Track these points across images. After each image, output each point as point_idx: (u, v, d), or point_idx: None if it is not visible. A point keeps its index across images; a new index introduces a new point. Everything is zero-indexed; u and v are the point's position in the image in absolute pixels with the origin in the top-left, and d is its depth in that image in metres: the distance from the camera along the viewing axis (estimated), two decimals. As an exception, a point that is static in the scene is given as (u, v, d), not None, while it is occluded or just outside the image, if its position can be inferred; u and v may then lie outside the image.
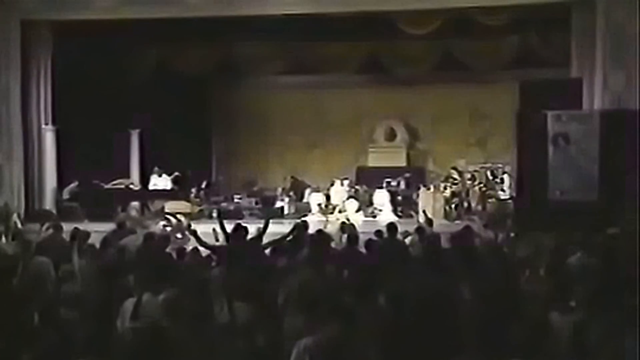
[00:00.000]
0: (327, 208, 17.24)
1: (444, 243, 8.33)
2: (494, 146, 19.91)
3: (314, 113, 21.25)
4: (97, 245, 8.54)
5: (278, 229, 9.31)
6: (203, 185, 18.42)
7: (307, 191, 18.67)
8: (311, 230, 9.76)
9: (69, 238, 9.28)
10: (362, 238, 9.19)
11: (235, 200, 18.38)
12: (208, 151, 21.72)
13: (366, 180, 19.06)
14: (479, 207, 16.96)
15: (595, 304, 4.91)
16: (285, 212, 17.62)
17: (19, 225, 13.85)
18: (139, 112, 18.89)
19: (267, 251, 8.22)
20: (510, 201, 15.72)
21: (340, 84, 20.39)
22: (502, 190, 17.16)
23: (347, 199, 17.47)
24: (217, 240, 9.23)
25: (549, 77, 15.60)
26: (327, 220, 15.02)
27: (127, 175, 18.24)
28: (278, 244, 8.36)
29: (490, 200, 16.98)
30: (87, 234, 9.07)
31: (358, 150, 20.96)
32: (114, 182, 17.19)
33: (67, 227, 10.07)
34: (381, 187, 18.00)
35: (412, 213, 16.94)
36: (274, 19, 15.46)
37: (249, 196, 18.67)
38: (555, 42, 16.27)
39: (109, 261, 7.54)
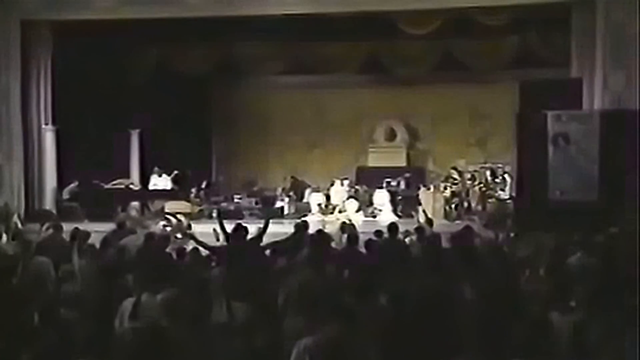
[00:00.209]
0: (327, 208, 17.25)
1: (444, 243, 8.34)
2: (494, 146, 19.91)
3: (314, 113, 21.25)
4: (97, 245, 8.53)
5: (278, 229, 9.31)
6: (203, 185, 18.42)
7: (307, 191, 18.67)
8: (311, 230, 9.76)
9: (69, 238, 9.27)
10: (362, 238, 9.20)
11: (235, 200, 18.38)
12: (208, 151, 21.72)
13: (366, 180, 19.06)
14: (479, 207, 16.95)
15: (595, 304, 4.91)
16: (285, 212, 17.62)
17: (19, 225, 13.85)
18: (139, 112, 18.90)
19: (267, 251, 8.23)
20: (510, 201, 15.72)
21: (340, 84, 20.39)
22: (502, 190, 17.16)
23: (347, 199, 17.47)
24: (217, 240, 9.24)
25: (549, 77, 15.59)
26: (324, 220, 14.99)
27: (127, 175, 18.24)
28: (280, 245, 8.36)
29: (490, 200, 16.97)
30: (87, 234, 9.07)
31: (358, 150, 20.95)
32: (114, 182, 17.19)
33: (67, 227, 10.06)
34: (381, 187, 18.00)
35: (412, 213, 16.93)
36: (274, 19, 15.45)
37: (249, 196, 18.67)
38: (555, 42, 16.26)
39: (109, 261, 7.54)
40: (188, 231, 9.15)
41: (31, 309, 5.15)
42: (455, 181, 17.19)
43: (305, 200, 18.39)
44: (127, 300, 5.44)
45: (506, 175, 17.34)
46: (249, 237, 8.48)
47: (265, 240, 8.55)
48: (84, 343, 4.22)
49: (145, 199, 17.24)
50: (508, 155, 16.83)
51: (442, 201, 16.60)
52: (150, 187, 17.66)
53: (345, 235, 9.31)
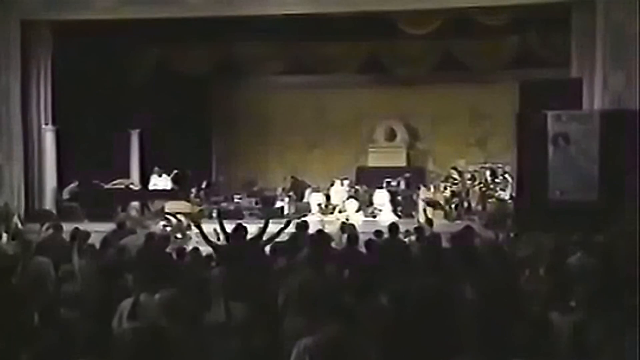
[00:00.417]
0: (327, 208, 17.25)
1: (444, 243, 8.33)
2: (494, 146, 19.91)
3: (314, 113, 21.24)
4: (97, 245, 8.53)
5: (278, 228, 9.27)
6: (203, 185, 18.41)
7: (308, 191, 18.67)
8: (311, 230, 9.76)
9: (69, 238, 9.27)
10: (362, 238, 9.19)
11: (235, 200, 18.37)
12: (208, 151, 21.72)
13: (366, 180, 19.05)
14: (479, 207, 16.95)
15: (595, 304, 4.91)
16: (285, 212, 17.61)
17: (19, 226, 13.85)
18: (139, 112, 18.90)
19: (267, 251, 8.23)
20: (510, 201, 15.72)
21: (340, 84, 20.39)
22: (502, 190, 17.15)
23: (347, 199, 17.46)
24: (218, 239, 9.23)
25: (549, 77, 15.59)
26: (322, 221, 14.97)
27: (127, 175, 18.24)
28: (275, 238, 8.37)
29: (490, 200, 16.97)
30: (87, 234, 9.06)
31: (358, 150, 20.95)
32: (114, 182, 17.18)
33: (67, 227, 10.06)
34: (381, 187, 17.99)
35: (412, 213, 16.94)
36: (274, 19, 15.45)
37: (249, 196, 18.66)
38: (555, 42, 16.26)
39: (109, 261, 7.54)
40: (195, 224, 9.09)
41: (31, 309, 5.15)
42: (455, 181, 17.19)
43: (305, 200, 18.39)
44: (125, 301, 5.44)
45: (506, 175, 17.35)
46: (249, 237, 8.49)
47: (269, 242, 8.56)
48: (84, 343, 4.21)
49: (145, 199, 17.24)
50: (508, 155, 16.83)
51: (442, 201, 16.60)
52: (150, 187, 17.66)
53: (345, 235, 9.32)
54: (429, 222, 12.27)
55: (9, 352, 4.26)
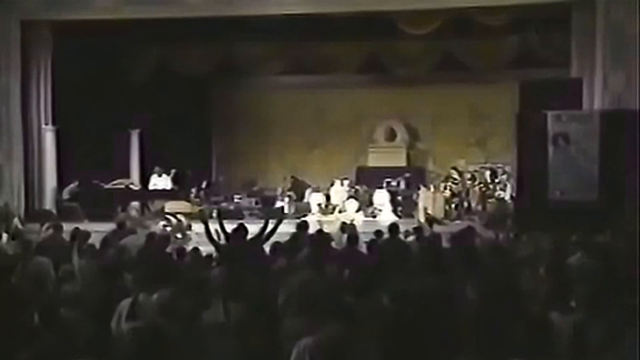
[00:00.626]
0: (327, 208, 17.25)
1: (444, 243, 8.34)
2: (494, 146, 19.91)
3: (314, 113, 21.24)
4: (97, 245, 8.53)
5: (272, 226, 9.28)
6: (203, 185, 18.42)
7: (308, 191, 18.67)
8: (311, 230, 9.77)
9: (69, 238, 9.27)
10: (362, 238, 9.20)
11: (235, 200, 18.38)
12: (208, 151, 21.71)
13: (366, 180, 19.05)
14: (479, 207, 16.96)
15: (595, 304, 4.91)
16: (285, 212, 17.60)
17: (19, 226, 13.84)
18: (139, 112, 18.90)
19: (267, 251, 8.23)
20: (510, 201, 15.72)
21: (340, 84, 20.39)
22: (502, 190, 17.16)
23: (347, 199, 17.47)
24: (218, 239, 9.23)
25: (549, 77, 15.58)
26: (320, 221, 14.95)
27: (127, 175, 18.23)
28: (271, 235, 8.37)
29: (490, 200, 16.97)
30: (87, 234, 9.06)
31: (358, 150, 20.95)
32: (114, 182, 17.18)
33: (67, 227, 10.06)
34: (381, 187, 18.00)
35: (413, 213, 16.94)
36: (274, 19, 15.46)
37: (249, 196, 18.67)
38: (555, 42, 16.26)
39: (109, 261, 7.54)
40: (203, 221, 9.06)
41: (31, 309, 5.15)
42: (455, 181, 17.19)
43: (305, 200, 18.39)
44: (125, 300, 5.44)
45: (506, 175, 17.35)
46: (249, 237, 8.49)
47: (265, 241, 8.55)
48: (83, 343, 4.22)
49: (145, 199, 17.23)
50: (508, 155, 16.83)
51: (442, 201, 16.60)
52: (150, 187, 17.65)
53: (345, 235, 9.32)
54: (429, 222, 12.24)
55: (9, 352, 4.25)
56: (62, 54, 16.25)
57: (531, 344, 3.91)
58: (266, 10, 14.99)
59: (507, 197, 16.40)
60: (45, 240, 9.55)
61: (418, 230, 10.28)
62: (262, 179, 20.45)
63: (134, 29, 15.82)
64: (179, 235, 12.55)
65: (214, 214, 14.99)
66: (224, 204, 17.83)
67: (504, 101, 17.64)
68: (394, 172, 19.00)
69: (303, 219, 12.33)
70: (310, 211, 17.30)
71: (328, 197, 17.65)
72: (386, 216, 16.54)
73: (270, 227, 8.40)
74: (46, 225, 11.23)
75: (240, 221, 9.77)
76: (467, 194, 17.15)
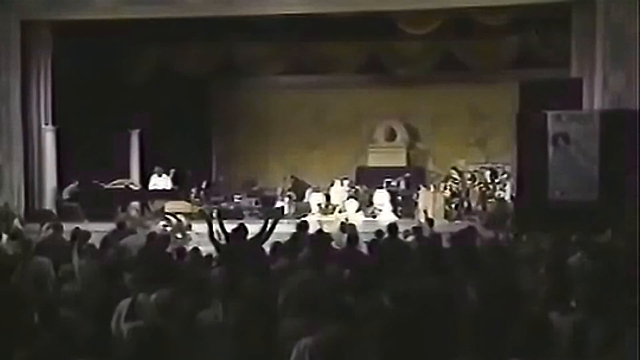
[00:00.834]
0: (327, 208, 17.26)
1: (444, 243, 8.34)
2: (494, 146, 19.90)
3: (314, 113, 21.23)
4: (97, 245, 8.53)
5: (278, 228, 9.28)
6: (203, 185, 18.42)
7: (308, 191, 18.68)
8: (311, 230, 9.77)
9: (70, 238, 9.27)
10: (362, 238, 9.20)
11: (235, 200, 18.38)
12: (208, 151, 21.70)
13: (366, 180, 19.04)
14: (479, 207, 16.95)
15: (595, 304, 4.91)
16: (285, 212, 17.61)
17: (19, 226, 13.84)
18: (139, 112, 18.89)
19: (267, 251, 8.24)
20: (510, 201, 15.72)
21: (340, 84, 20.38)
22: (502, 190, 17.16)
23: (347, 199, 17.47)
24: (219, 239, 9.24)
25: (549, 77, 15.57)
26: (321, 221, 14.96)
27: (127, 175, 18.23)
28: (269, 234, 8.38)
29: (490, 200, 16.97)
30: (88, 234, 9.07)
31: (358, 150, 20.94)
32: (114, 182, 17.18)
33: (67, 227, 10.07)
34: (381, 187, 18.00)
35: (414, 213, 16.94)
36: (274, 19, 15.46)
37: (249, 196, 18.67)
38: (555, 42, 16.26)
39: (109, 261, 7.54)
40: (207, 221, 9.08)
41: (31, 309, 5.15)
42: (455, 181, 17.19)
43: (305, 200, 18.39)
44: (124, 301, 5.44)
45: (506, 175, 17.35)
46: (249, 237, 8.50)
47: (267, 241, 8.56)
48: (83, 343, 4.22)
49: (145, 199, 17.22)
50: (508, 155, 16.83)
51: (442, 201, 16.60)
52: (150, 187, 17.65)
53: (345, 235, 9.32)
54: (430, 222, 12.23)
55: (8, 352, 4.25)
56: (62, 54, 16.25)
57: (531, 344, 3.91)
58: (266, 10, 14.99)
59: (507, 197, 16.40)
60: (45, 240, 9.55)
61: (418, 230, 10.27)
62: (262, 179, 20.44)
63: (134, 29, 15.82)
64: (179, 235, 12.54)
65: (214, 214, 15.03)
66: (224, 204, 17.83)
67: (504, 101, 17.62)
68: (394, 172, 18.99)
69: (303, 219, 12.34)
70: (310, 211, 17.31)
71: (328, 197, 17.66)
72: (386, 216, 16.54)
73: (278, 228, 8.44)
74: (46, 225, 11.22)
75: (240, 221, 9.79)
76: (467, 194, 17.15)
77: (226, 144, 21.79)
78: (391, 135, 20.92)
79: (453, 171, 17.58)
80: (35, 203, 16.16)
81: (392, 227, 9.31)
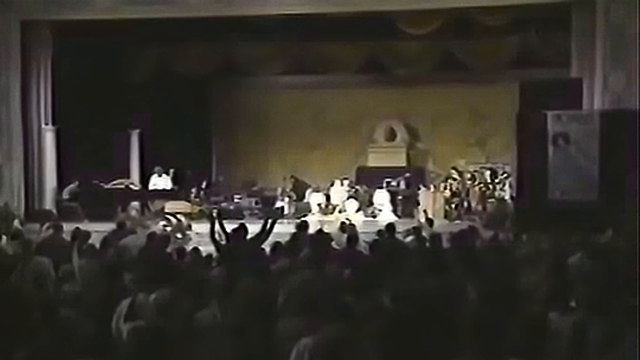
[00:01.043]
0: (327, 208, 17.26)
1: (444, 243, 8.33)
2: (494, 146, 19.89)
3: (314, 113, 21.23)
4: (97, 245, 8.53)
5: (278, 228, 9.30)
6: (203, 185, 18.42)
7: (308, 191, 18.68)
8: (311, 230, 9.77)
9: (70, 238, 9.27)
10: (362, 238, 9.19)
11: (235, 200, 18.38)
12: (208, 151, 21.70)
13: (366, 180, 19.04)
14: (479, 207, 16.96)
15: (595, 304, 4.91)
16: (285, 212, 17.62)
17: (19, 226, 13.84)
18: (139, 112, 18.91)
19: (268, 251, 8.24)
20: (510, 201, 15.72)
21: (340, 84, 20.38)
22: (502, 190, 17.16)
23: (347, 199, 17.48)
24: (220, 239, 9.24)
25: (549, 77, 15.57)
26: (321, 221, 14.97)
27: (127, 175, 18.24)
28: (269, 234, 8.37)
29: (490, 200, 16.98)
30: (88, 234, 9.07)
31: (358, 150, 20.94)
32: (114, 182, 17.18)
33: (67, 227, 10.07)
34: (381, 187, 18.00)
35: (414, 213, 16.95)
36: (274, 19, 15.46)
37: (249, 196, 18.67)
38: (555, 42, 16.25)
39: (109, 261, 7.54)
40: (210, 221, 9.08)
41: (31, 308, 5.15)
42: (456, 181, 17.19)
43: (305, 200, 18.39)
44: (124, 301, 5.44)
45: (506, 175, 17.35)
46: (249, 237, 8.51)
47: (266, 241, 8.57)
48: (83, 343, 4.21)
49: (145, 199, 17.23)
50: (508, 155, 16.82)
51: (442, 201, 16.60)
52: (150, 187, 17.65)
53: (345, 235, 9.32)
54: (430, 222, 12.23)
55: (8, 352, 4.25)
56: (62, 54, 16.25)
57: (531, 344, 3.91)
58: (266, 10, 14.99)
59: (507, 197, 16.40)
60: (45, 240, 9.56)
61: (418, 230, 10.27)
62: (262, 179, 20.45)
63: (134, 29, 15.83)
64: (179, 235, 12.54)
65: (214, 214, 15.03)
66: (224, 204, 17.83)
67: (504, 101, 17.62)
68: (394, 172, 18.99)
69: (303, 219, 12.34)
70: (310, 211, 17.31)
71: (328, 197, 17.66)
72: (386, 216, 16.54)
73: (278, 228, 8.45)
74: (46, 225, 11.23)
75: (240, 221, 9.79)
76: (467, 194, 17.15)
77: (226, 144, 21.79)
78: (391, 135, 20.92)
79: (453, 171, 17.59)
80: (35, 203, 16.16)
81: (390, 227, 9.31)
